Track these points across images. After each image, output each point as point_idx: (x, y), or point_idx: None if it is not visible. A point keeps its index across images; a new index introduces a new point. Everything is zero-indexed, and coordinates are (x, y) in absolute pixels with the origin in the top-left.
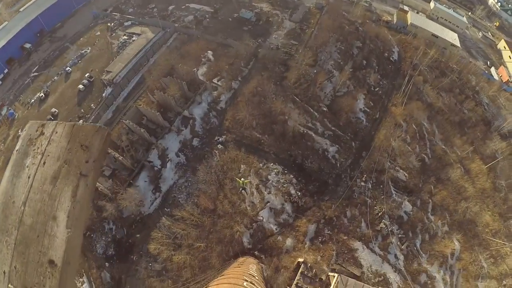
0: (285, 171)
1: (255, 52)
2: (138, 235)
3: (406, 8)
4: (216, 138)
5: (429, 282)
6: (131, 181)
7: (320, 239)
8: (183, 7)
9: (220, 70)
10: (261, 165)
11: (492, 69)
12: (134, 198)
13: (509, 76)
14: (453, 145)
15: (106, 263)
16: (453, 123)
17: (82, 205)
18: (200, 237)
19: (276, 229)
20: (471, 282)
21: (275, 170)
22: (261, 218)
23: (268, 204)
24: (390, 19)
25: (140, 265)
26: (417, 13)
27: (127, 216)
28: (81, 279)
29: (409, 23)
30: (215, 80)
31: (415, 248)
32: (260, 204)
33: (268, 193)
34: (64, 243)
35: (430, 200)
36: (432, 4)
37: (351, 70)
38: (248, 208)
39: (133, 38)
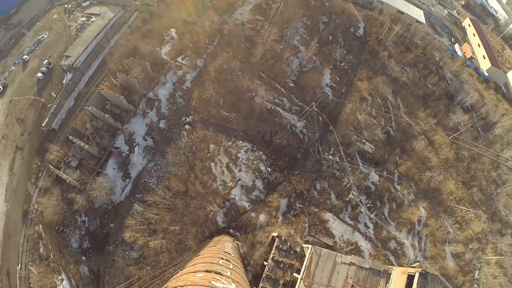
0: (254, 148)
1: (220, 28)
2: (112, 225)
3: None
4: (183, 118)
5: (398, 248)
6: (99, 170)
7: (292, 213)
8: None
9: (184, 48)
10: (230, 143)
11: (456, 46)
12: (104, 187)
13: (473, 53)
14: (417, 118)
15: (83, 257)
16: (417, 97)
17: (19, 178)
18: (174, 220)
19: (248, 206)
20: (438, 246)
21: (244, 148)
22: (233, 196)
23: (240, 182)
24: None
25: (117, 255)
26: None
27: (98, 207)
28: (59, 277)
29: None
30: (179, 59)
31: (384, 217)
32: (232, 182)
33: (239, 171)
34: (3, 216)
35: (396, 171)
36: None
37: (317, 45)
38: (219, 187)
39: (92, 19)
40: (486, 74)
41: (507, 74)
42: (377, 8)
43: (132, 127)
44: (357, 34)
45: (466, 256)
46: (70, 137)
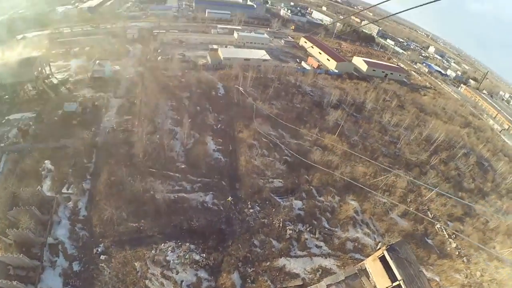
0: (179, 243)
1: (93, 142)
2: None
3: (215, 46)
4: (95, 250)
5: (356, 244)
6: None
7: (249, 280)
8: (3, 121)
9: (65, 176)
10: (153, 251)
11: (303, 63)
12: None
13: (318, 61)
14: (302, 136)
15: None
16: (293, 120)
17: None
18: None
19: None
20: (385, 219)
21: (170, 248)
22: None
23: (183, 283)
24: (206, 61)
25: None
26: (226, 47)
27: None
28: None
29: (222, 58)
30: (64, 190)
31: (327, 229)
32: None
33: (177, 273)
34: None
35: (311, 187)
36: (235, 35)
37: (189, 120)
38: None
39: None
40: (337, 71)
41: (352, 60)
42: (226, 66)
43: (46, 284)
44: (219, 94)
45: (411, 208)
46: None
